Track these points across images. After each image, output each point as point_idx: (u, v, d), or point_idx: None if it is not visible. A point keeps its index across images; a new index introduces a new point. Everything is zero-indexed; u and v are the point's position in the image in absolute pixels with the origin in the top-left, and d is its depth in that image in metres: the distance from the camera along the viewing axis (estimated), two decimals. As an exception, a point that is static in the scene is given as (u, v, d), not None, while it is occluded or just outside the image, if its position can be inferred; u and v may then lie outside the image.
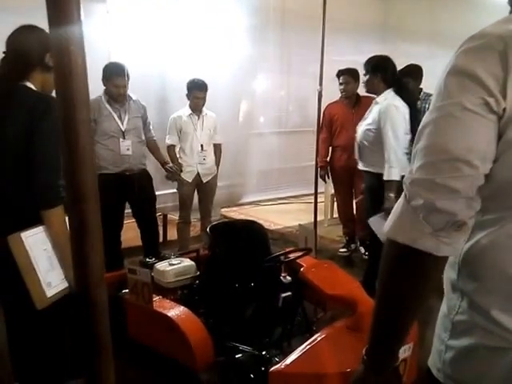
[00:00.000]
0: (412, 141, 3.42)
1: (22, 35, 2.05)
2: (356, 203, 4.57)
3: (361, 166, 3.65)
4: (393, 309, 0.98)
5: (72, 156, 0.68)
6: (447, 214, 0.87)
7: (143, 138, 4.05)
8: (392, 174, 3.27)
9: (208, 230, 3.13)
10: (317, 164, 4.58)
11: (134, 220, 4.22)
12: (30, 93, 1.98)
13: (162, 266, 3.09)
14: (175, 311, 2.60)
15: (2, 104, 1.96)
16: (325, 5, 4.11)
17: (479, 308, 0.96)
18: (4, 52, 2.05)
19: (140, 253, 4.16)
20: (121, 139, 3.83)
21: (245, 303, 2.90)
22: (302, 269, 3.00)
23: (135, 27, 4.64)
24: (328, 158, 4.86)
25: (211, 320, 2.83)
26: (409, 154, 3.43)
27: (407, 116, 3.36)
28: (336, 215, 5.42)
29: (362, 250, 4.74)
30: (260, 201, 6.58)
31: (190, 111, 4.44)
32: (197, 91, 4.35)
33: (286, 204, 6.72)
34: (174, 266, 3.07)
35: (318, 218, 4.62)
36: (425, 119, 0.92)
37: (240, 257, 3.06)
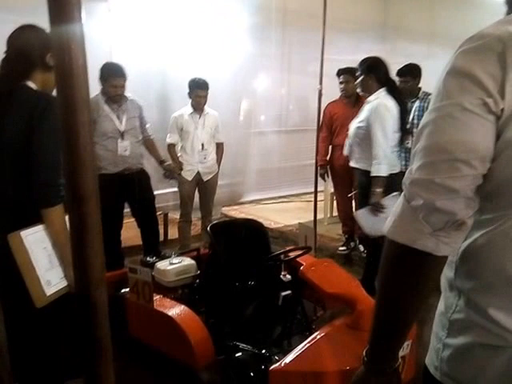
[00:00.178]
0: (401, 138, 3.57)
1: (23, 35, 2.04)
2: (349, 198, 4.62)
3: (352, 163, 3.76)
4: (393, 309, 0.98)
5: (72, 157, 0.68)
6: (447, 214, 0.87)
7: (141, 137, 4.05)
8: (379, 170, 3.38)
9: (208, 228, 3.13)
10: (317, 163, 4.59)
11: (133, 219, 4.23)
12: (30, 92, 1.99)
13: (162, 265, 3.10)
14: (176, 310, 2.61)
15: (3, 103, 1.96)
16: (325, 4, 4.12)
17: (476, 306, 0.96)
18: (5, 52, 2.05)
19: (140, 252, 4.17)
20: (119, 140, 3.83)
21: (245, 302, 2.91)
22: (301, 267, 3.01)
23: (137, 26, 4.64)
24: (328, 157, 4.87)
25: (211, 319, 2.83)
26: (398, 151, 3.58)
27: (397, 115, 3.46)
28: (336, 214, 5.43)
29: (362, 248, 4.74)
30: (260, 199, 6.59)
31: (192, 110, 4.45)
32: (198, 90, 4.36)
33: (286, 202, 6.73)
34: (175, 265, 3.08)
35: (318, 217, 4.64)
36: (424, 119, 0.92)
37: (240, 255, 3.07)
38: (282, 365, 2.23)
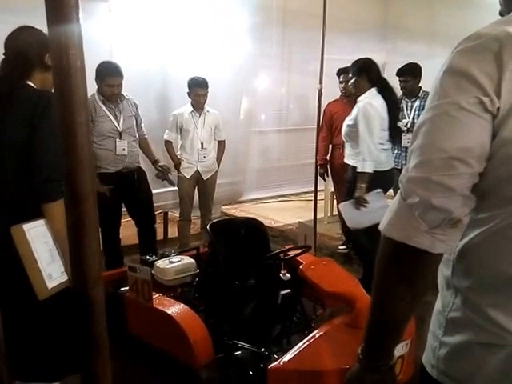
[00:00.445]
0: (393, 136, 3.70)
1: (21, 36, 2.07)
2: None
3: (345, 160, 3.92)
4: (387, 306, 0.98)
5: (70, 156, 0.68)
6: (443, 212, 0.88)
7: (137, 136, 4.05)
8: (364, 166, 3.53)
9: (208, 227, 3.13)
10: (317, 162, 4.60)
11: (130, 218, 4.22)
12: (31, 90, 2.01)
13: (162, 263, 3.10)
14: (175, 309, 2.61)
15: (4, 103, 1.98)
16: (325, 3, 4.12)
17: (473, 305, 0.97)
18: (3, 53, 2.07)
19: (138, 250, 4.16)
20: (117, 139, 3.82)
21: (244, 300, 2.91)
22: (301, 266, 3.01)
23: (137, 26, 4.64)
24: (328, 156, 4.87)
25: (211, 317, 2.84)
26: (387, 149, 3.71)
27: (384, 113, 3.58)
28: (336, 213, 5.42)
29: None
30: (260, 198, 6.60)
31: (192, 109, 4.46)
32: (197, 89, 4.36)
33: (286, 201, 6.74)
34: (174, 264, 3.08)
35: (318, 216, 4.65)
36: (421, 118, 0.93)
37: (240, 254, 3.07)
38: (281, 363, 2.23)
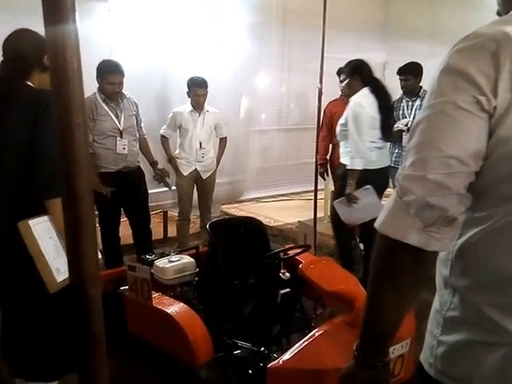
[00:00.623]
0: (386, 135, 3.72)
1: (20, 38, 2.11)
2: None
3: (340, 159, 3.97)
4: (382, 303, 0.98)
5: (67, 157, 0.69)
6: (438, 210, 0.88)
7: (137, 135, 4.05)
8: (353, 163, 3.62)
9: (207, 226, 3.14)
10: (317, 161, 4.60)
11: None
12: (31, 90, 2.05)
13: (161, 262, 3.10)
14: (174, 308, 2.62)
15: (4, 104, 2.00)
16: (325, 2, 4.12)
17: (470, 304, 0.97)
18: (2, 55, 2.11)
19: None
20: (118, 138, 3.82)
21: (244, 300, 2.91)
22: (300, 265, 3.01)
23: (137, 26, 4.64)
24: (328, 156, 4.87)
25: (210, 316, 2.84)
26: (380, 148, 3.74)
27: (375, 112, 3.62)
28: (336, 212, 5.42)
29: (362, 246, 4.74)
30: (260, 197, 6.60)
31: (191, 108, 4.46)
32: (197, 88, 4.36)
33: (285, 201, 6.75)
34: (174, 263, 3.08)
35: (318, 215, 4.65)
36: (418, 117, 0.93)
37: (239, 253, 3.07)
38: (281, 362, 2.23)
